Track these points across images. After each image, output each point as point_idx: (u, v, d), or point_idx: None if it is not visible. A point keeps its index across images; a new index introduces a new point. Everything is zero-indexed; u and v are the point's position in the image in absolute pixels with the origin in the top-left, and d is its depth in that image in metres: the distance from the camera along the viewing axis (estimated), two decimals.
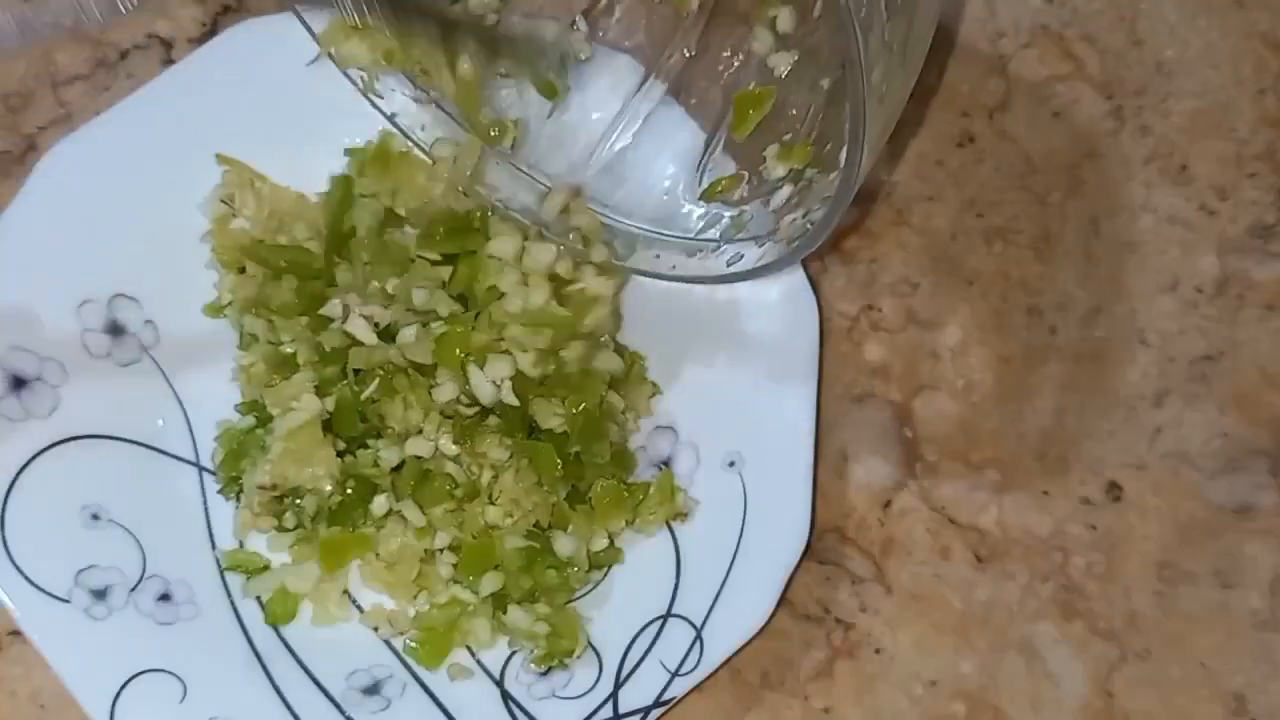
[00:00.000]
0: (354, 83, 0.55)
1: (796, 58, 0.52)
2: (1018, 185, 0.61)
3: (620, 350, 0.55)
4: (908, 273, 0.60)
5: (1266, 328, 0.60)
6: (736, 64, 0.54)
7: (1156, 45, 0.62)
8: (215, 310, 0.55)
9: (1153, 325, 0.59)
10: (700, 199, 0.55)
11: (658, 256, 0.55)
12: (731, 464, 0.54)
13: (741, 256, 0.52)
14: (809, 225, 0.48)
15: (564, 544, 0.53)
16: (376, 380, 0.52)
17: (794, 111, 0.52)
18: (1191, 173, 0.61)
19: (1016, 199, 0.61)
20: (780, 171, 0.52)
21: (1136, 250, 0.60)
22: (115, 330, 0.54)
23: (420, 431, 0.52)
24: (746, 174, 0.54)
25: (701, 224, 0.55)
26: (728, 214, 0.54)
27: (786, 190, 0.52)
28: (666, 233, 0.55)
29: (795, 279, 0.55)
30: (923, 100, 0.61)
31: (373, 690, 0.52)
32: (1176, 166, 0.61)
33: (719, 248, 0.53)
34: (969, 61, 0.62)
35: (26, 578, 0.50)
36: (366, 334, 0.52)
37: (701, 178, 0.55)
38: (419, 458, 0.52)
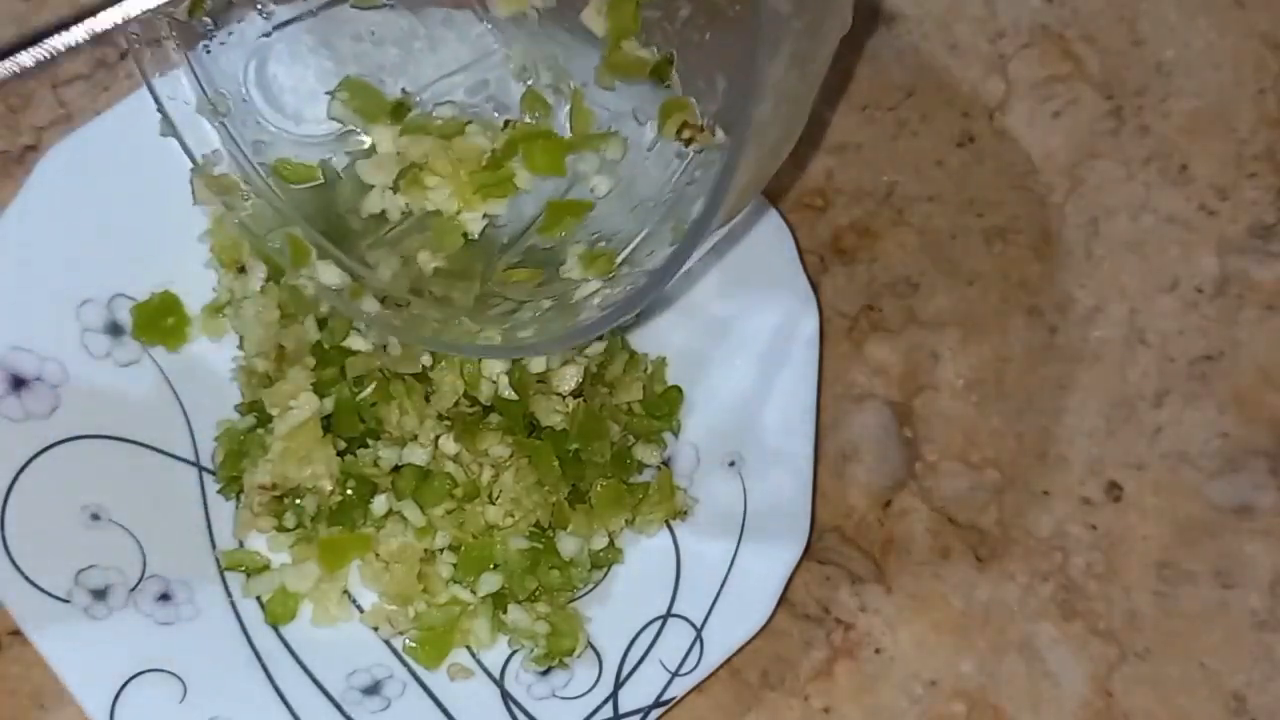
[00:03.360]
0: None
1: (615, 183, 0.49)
2: (1018, 185, 0.61)
3: (635, 354, 0.55)
4: (908, 273, 0.60)
5: (1266, 328, 0.60)
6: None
7: (1156, 45, 0.62)
8: (215, 310, 0.55)
9: (1153, 325, 0.59)
10: (490, 282, 0.51)
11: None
12: (731, 464, 0.54)
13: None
14: (607, 309, 0.44)
15: (568, 544, 0.53)
16: (374, 384, 0.52)
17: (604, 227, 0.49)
18: (1191, 173, 0.61)
19: (1016, 199, 0.61)
20: (578, 275, 0.48)
21: (1136, 250, 0.60)
22: (115, 330, 0.54)
23: (416, 438, 0.52)
24: (544, 271, 0.49)
25: (494, 305, 0.50)
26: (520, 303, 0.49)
27: (590, 287, 0.48)
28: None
29: (795, 279, 0.55)
30: (923, 100, 0.61)
31: (373, 690, 0.52)
32: (1176, 166, 0.61)
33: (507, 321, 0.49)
34: (969, 61, 0.62)
35: (26, 578, 0.50)
36: (361, 340, 0.52)
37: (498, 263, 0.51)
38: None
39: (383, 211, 0.50)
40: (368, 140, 0.51)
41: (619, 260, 0.47)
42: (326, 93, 0.51)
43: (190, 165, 0.51)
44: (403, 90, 0.51)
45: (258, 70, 0.52)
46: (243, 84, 0.52)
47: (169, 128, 0.51)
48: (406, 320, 0.49)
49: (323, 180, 0.51)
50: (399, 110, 0.51)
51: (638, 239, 0.47)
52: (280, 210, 0.51)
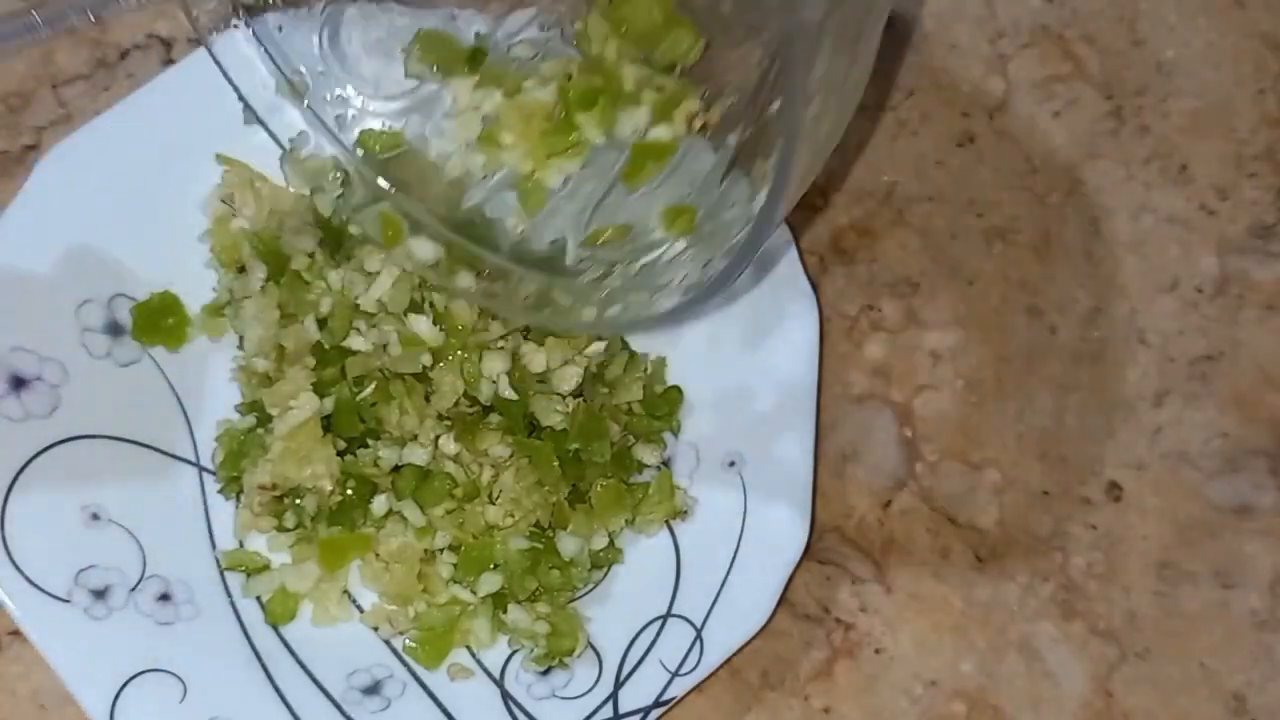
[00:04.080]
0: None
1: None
2: (1018, 185, 0.61)
3: (634, 354, 0.55)
4: (908, 273, 0.60)
5: (1266, 328, 0.60)
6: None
7: (1156, 45, 0.62)
8: (215, 310, 0.55)
9: (1153, 325, 0.59)
10: (582, 245, 0.51)
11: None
12: (731, 464, 0.54)
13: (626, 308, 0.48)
14: (707, 277, 0.44)
15: (568, 545, 0.53)
16: (373, 385, 0.52)
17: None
18: (1191, 173, 0.61)
19: (1016, 199, 0.61)
20: (661, 233, 0.48)
21: (1136, 250, 0.60)
22: (115, 330, 0.54)
23: (416, 438, 0.52)
24: (633, 227, 0.49)
25: (585, 270, 0.50)
26: (613, 263, 0.50)
27: (678, 246, 0.48)
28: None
29: (795, 279, 0.55)
30: (923, 100, 0.61)
31: (373, 690, 0.52)
32: (1176, 166, 0.61)
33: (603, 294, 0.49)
34: (969, 61, 0.62)
35: (26, 578, 0.50)
36: (361, 341, 0.52)
37: (588, 223, 0.51)
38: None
39: (465, 174, 0.50)
40: (449, 100, 0.51)
41: (700, 216, 0.47)
42: (402, 50, 0.51)
43: (281, 151, 0.51)
44: (476, 35, 0.50)
45: (330, 40, 0.52)
46: (318, 56, 0.51)
47: (252, 116, 0.51)
48: (503, 292, 0.49)
49: (407, 148, 0.51)
50: (476, 57, 0.50)
51: (716, 194, 0.47)
52: (371, 186, 0.51)
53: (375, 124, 0.52)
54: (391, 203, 0.50)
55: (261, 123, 0.52)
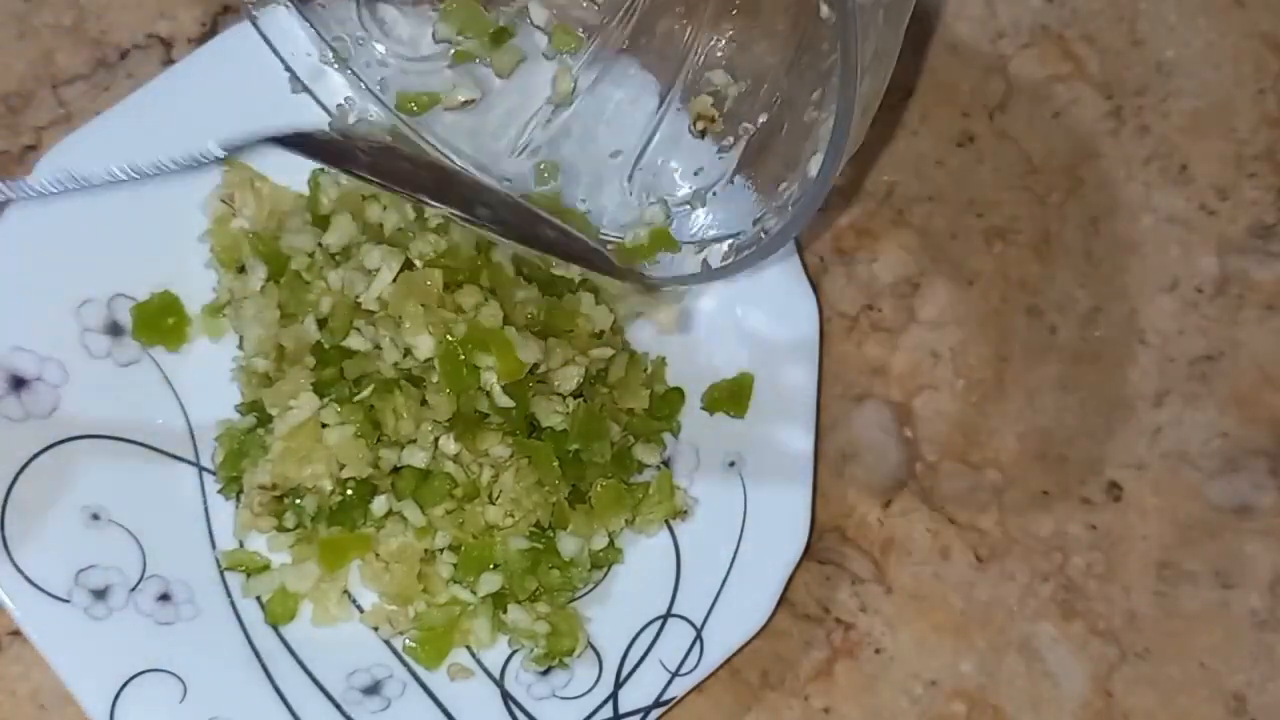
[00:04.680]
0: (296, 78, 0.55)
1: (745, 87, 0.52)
2: (1018, 185, 0.61)
3: (635, 354, 0.55)
4: (908, 273, 0.60)
5: (1266, 328, 0.60)
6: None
7: (1156, 45, 0.62)
8: (215, 310, 0.55)
9: (1153, 325, 0.59)
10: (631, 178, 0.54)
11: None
12: (731, 464, 0.54)
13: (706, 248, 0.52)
14: (762, 234, 0.48)
15: (568, 545, 0.53)
16: (372, 386, 0.52)
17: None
18: (1191, 173, 0.61)
19: (1016, 199, 0.61)
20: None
21: (1136, 250, 0.60)
22: (115, 330, 0.54)
23: (414, 441, 0.52)
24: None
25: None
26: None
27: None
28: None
29: (795, 279, 0.55)
30: (923, 100, 0.61)
31: (373, 690, 0.52)
32: (1176, 166, 0.61)
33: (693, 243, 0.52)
34: (969, 61, 0.62)
35: (26, 578, 0.50)
36: (361, 341, 0.52)
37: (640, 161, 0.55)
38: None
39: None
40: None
41: (725, 108, 0.50)
42: (432, 10, 0.53)
43: (327, 118, 0.54)
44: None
45: (368, 3, 0.54)
46: (358, 21, 0.54)
47: (299, 85, 0.54)
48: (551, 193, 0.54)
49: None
50: (500, 35, 0.53)
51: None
52: (416, 144, 0.54)
53: (414, 85, 0.55)
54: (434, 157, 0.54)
55: (307, 89, 0.54)
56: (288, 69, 0.53)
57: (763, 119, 0.52)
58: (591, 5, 0.54)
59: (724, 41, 0.53)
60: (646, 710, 0.52)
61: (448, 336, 0.51)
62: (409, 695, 0.52)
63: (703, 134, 0.53)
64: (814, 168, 0.44)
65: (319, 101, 0.54)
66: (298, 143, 0.51)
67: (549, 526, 0.53)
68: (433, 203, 0.51)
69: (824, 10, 0.43)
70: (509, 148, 0.56)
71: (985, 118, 0.61)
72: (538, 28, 0.55)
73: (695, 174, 0.54)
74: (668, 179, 0.54)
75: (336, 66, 0.54)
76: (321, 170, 0.56)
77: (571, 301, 0.54)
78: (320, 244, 0.54)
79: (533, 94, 0.55)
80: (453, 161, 0.55)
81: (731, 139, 0.53)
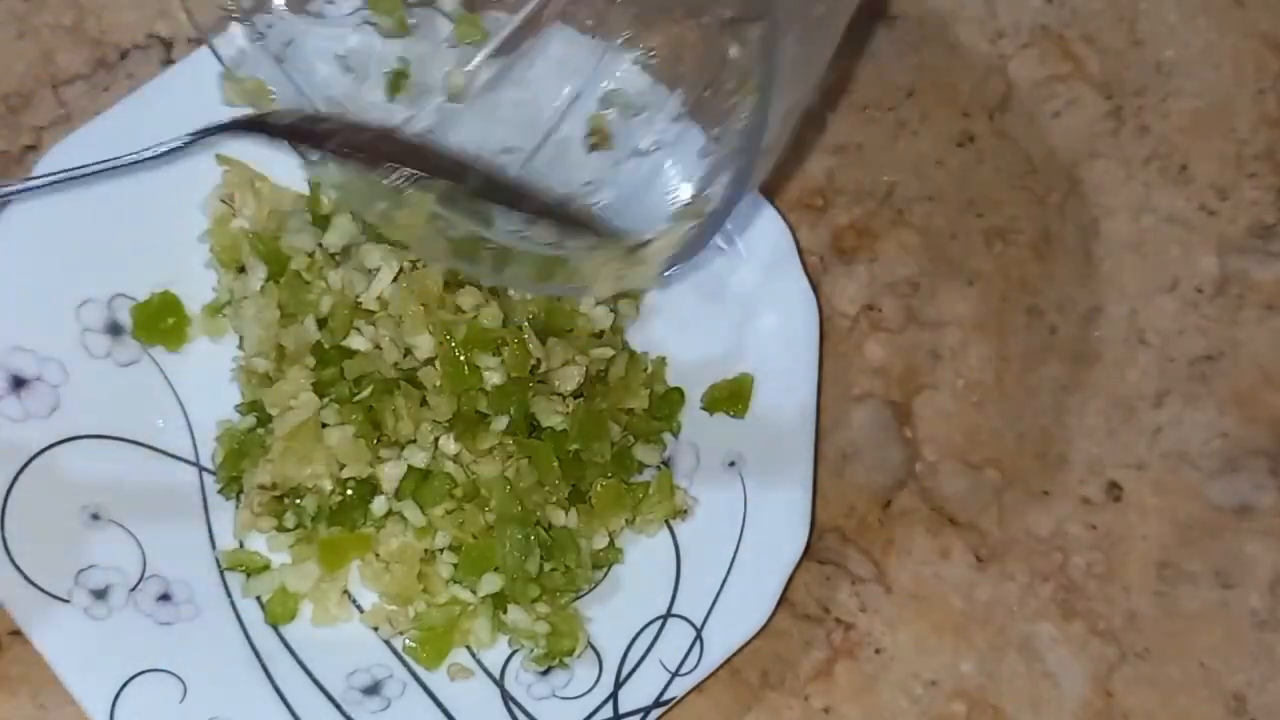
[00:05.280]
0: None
1: None
2: (1018, 185, 0.61)
3: (635, 354, 0.55)
4: (908, 273, 0.60)
5: (1266, 328, 0.60)
6: None
7: (1156, 45, 0.62)
8: (215, 310, 0.55)
9: (1153, 325, 0.59)
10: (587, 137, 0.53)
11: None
12: (731, 464, 0.54)
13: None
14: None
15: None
16: (371, 387, 0.52)
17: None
18: (1191, 173, 0.61)
19: (1016, 199, 0.61)
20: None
21: (1136, 250, 0.60)
22: (115, 330, 0.54)
23: (414, 441, 0.52)
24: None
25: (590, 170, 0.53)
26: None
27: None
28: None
29: (795, 279, 0.55)
30: (923, 100, 0.61)
31: (373, 690, 0.52)
32: (1176, 166, 0.61)
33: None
34: (969, 61, 0.62)
35: (26, 578, 0.50)
36: (361, 341, 0.52)
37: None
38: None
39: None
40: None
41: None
42: None
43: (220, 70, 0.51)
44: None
45: None
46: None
47: (198, 31, 0.51)
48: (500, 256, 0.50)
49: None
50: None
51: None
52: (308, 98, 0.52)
53: (322, 46, 0.53)
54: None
55: (207, 40, 0.51)
56: (187, 12, 0.52)
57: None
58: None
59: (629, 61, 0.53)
60: (646, 710, 0.52)
61: (448, 336, 0.51)
62: (409, 695, 0.52)
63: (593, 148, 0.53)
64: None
65: (214, 52, 0.51)
66: (261, 126, 0.49)
67: (549, 526, 0.53)
68: (417, 172, 0.49)
69: (733, 52, 0.43)
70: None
71: (985, 118, 0.61)
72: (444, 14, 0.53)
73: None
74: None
75: (242, 23, 0.52)
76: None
77: (571, 301, 0.54)
78: (320, 244, 0.54)
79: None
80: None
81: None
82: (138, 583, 0.52)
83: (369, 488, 0.52)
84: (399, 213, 0.50)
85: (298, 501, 0.53)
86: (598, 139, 0.52)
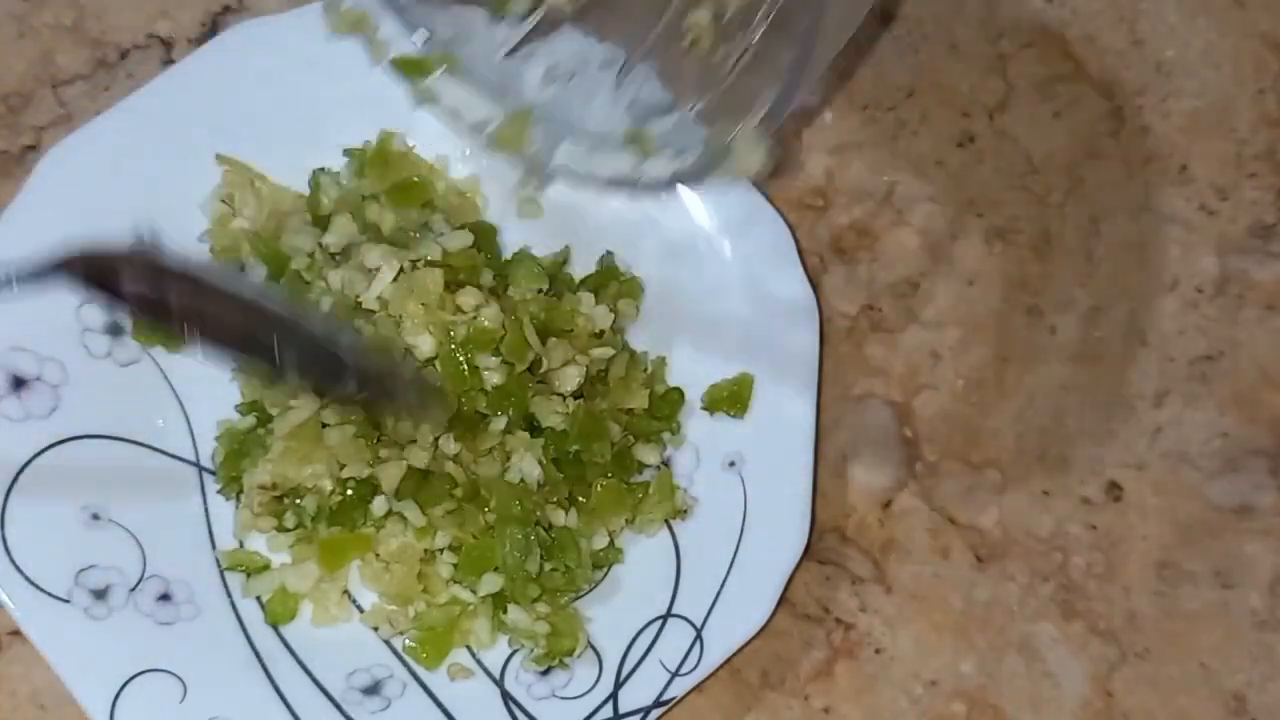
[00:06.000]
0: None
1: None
2: (1018, 185, 0.61)
3: (635, 354, 0.55)
4: (908, 273, 0.60)
5: (1266, 328, 0.60)
6: None
7: (1156, 45, 0.62)
8: None
9: (1153, 325, 0.59)
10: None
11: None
12: (731, 464, 0.54)
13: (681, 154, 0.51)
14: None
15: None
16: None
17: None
18: (1191, 173, 0.61)
19: (1016, 199, 0.61)
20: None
21: (1136, 250, 0.60)
22: (115, 330, 0.54)
23: (414, 441, 0.52)
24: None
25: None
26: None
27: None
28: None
29: (795, 279, 0.55)
30: (923, 100, 0.61)
31: (373, 690, 0.52)
32: (1176, 166, 0.61)
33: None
34: (969, 61, 0.62)
35: (26, 578, 0.50)
36: None
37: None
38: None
39: None
40: None
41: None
42: None
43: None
44: None
45: None
46: None
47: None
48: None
49: None
50: None
51: None
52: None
53: None
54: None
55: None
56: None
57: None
58: None
59: None
60: (646, 710, 0.52)
61: (448, 336, 0.51)
62: (409, 695, 0.52)
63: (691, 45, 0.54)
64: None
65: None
66: (73, 267, 0.43)
67: (549, 527, 0.53)
68: (239, 353, 0.46)
69: None
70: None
71: (985, 118, 0.61)
72: None
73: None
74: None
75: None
76: (322, 170, 0.56)
77: (571, 301, 0.54)
78: (320, 244, 0.54)
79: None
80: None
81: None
82: (138, 583, 0.52)
83: (369, 488, 0.52)
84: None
85: (298, 501, 0.53)
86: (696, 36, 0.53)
